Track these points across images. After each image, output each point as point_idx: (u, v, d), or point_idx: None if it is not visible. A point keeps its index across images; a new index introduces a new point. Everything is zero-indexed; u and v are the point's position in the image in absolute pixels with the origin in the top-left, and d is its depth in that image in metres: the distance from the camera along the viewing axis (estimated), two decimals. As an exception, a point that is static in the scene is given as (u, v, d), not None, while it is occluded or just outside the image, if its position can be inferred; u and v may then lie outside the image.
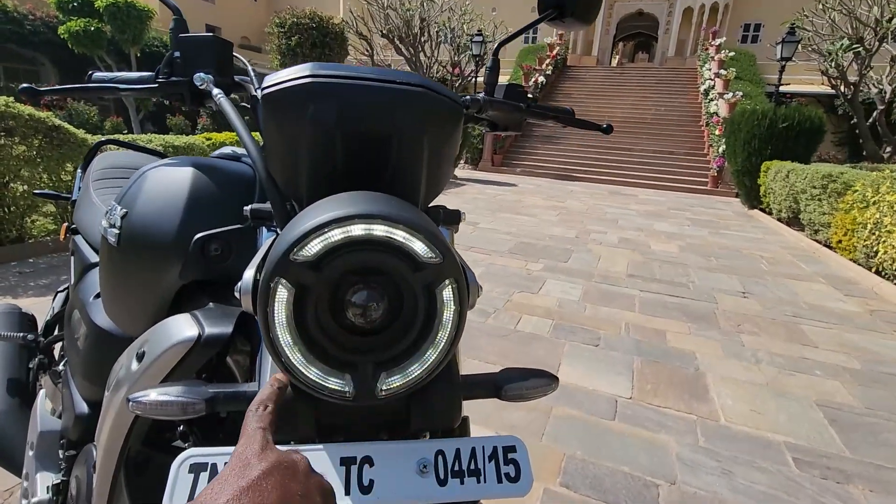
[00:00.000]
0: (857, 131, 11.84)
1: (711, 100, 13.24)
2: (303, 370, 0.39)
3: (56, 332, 1.22)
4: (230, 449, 0.39)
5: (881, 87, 11.05)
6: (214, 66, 0.63)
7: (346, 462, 0.42)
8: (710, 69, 14.36)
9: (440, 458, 0.44)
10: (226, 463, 0.30)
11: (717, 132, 11.67)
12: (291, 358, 0.39)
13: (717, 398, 2.21)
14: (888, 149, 11.50)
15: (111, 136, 1.35)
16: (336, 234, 0.38)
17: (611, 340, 2.79)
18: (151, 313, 0.65)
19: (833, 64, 10.89)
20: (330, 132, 0.46)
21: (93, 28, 10.13)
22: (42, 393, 1.03)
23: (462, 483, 0.44)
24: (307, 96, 0.45)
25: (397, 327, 0.41)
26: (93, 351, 0.77)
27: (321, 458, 0.41)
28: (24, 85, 0.69)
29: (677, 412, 2.07)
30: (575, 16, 0.73)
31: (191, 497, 0.38)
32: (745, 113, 8.78)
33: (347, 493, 0.41)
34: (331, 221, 0.37)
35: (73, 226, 1.05)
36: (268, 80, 0.48)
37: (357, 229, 0.38)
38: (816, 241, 5.73)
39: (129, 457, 0.58)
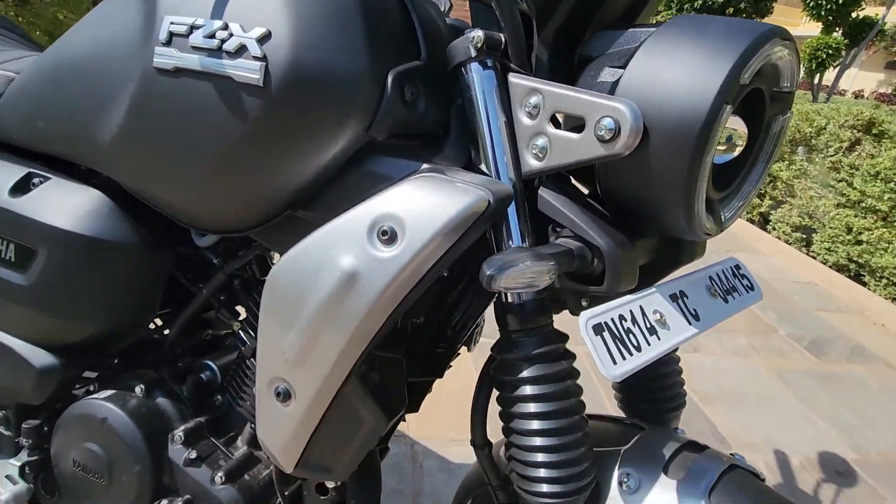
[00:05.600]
0: None
1: None
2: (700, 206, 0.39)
3: None
4: (622, 300, 0.41)
5: None
6: None
7: (675, 298, 0.44)
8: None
9: (713, 282, 0.49)
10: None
11: None
12: (699, 198, 0.39)
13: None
14: None
15: None
16: (775, 51, 0.38)
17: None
18: (272, 190, 0.46)
19: None
20: None
21: None
22: None
23: (734, 298, 0.50)
24: None
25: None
26: (73, 274, 0.55)
27: (657, 300, 0.44)
28: None
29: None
30: None
31: (612, 359, 0.38)
32: None
33: (690, 322, 0.44)
34: (765, 37, 0.37)
35: None
36: None
37: (778, 47, 0.38)
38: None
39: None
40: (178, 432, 0.58)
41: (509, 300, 0.43)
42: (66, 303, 0.56)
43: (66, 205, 0.54)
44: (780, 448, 1.55)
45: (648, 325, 0.40)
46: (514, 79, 0.42)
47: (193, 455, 0.57)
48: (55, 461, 0.61)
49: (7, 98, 0.60)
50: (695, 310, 0.45)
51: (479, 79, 0.43)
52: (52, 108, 0.55)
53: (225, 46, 0.40)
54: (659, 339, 0.41)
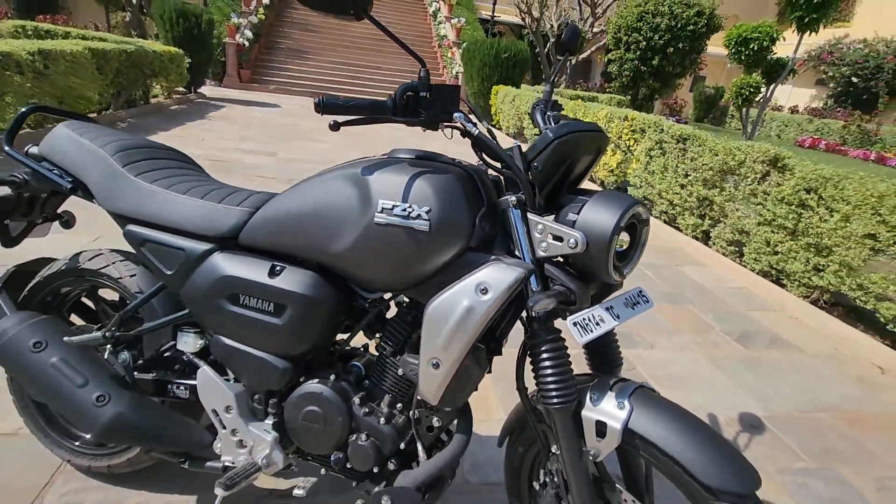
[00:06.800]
0: (538, 59, 15.24)
1: (440, 22, 15.13)
2: (611, 270, 0.91)
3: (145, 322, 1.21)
4: (584, 311, 0.91)
5: (552, 23, 14.96)
6: (456, 106, 0.90)
7: (608, 309, 0.93)
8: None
9: (627, 300, 0.97)
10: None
11: (449, 54, 13.83)
12: (611, 267, 0.90)
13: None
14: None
15: (43, 104, 1.34)
16: (639, 209, 0.90)
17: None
18: (429, 272, 0.93)
19: (523, 0, 14.46)
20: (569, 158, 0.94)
21: None
22: (203, 371, 1.13)
23: (638, 307, 0.98)
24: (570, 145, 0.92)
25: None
26: (304, 318, 1.01)
27: (599, 310, 0.92)
28: (332, 123, 0.86)
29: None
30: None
31: (581, 335, 0.88)
32: (478, 43, 10.83)
33: (615, 319, 0.92)
34: (633, 203, 0.88)
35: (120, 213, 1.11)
36: (563, 129, 0.91)
37: (639, 207, 0.90)
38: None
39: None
40: (355, 398, 1.08)
41: (535, 315, 0.96)
42: (300, 333, 1.05)
43: (298, 281, 1.04)
44: (711, 412, 2.11)
45: (596, 320, 0.93)
46: (530, 216, 0.95)
47: (366, 410, 1.07)
48: (289, 419, 1.10)
49: (254, 223, 1.08)
50: (617, 313, 0.97)
51: (513, 216, 0.95)
52: (293, 230, 0.99)
53: (411, 214, 0.88)
54: (599, 326, 0.93)
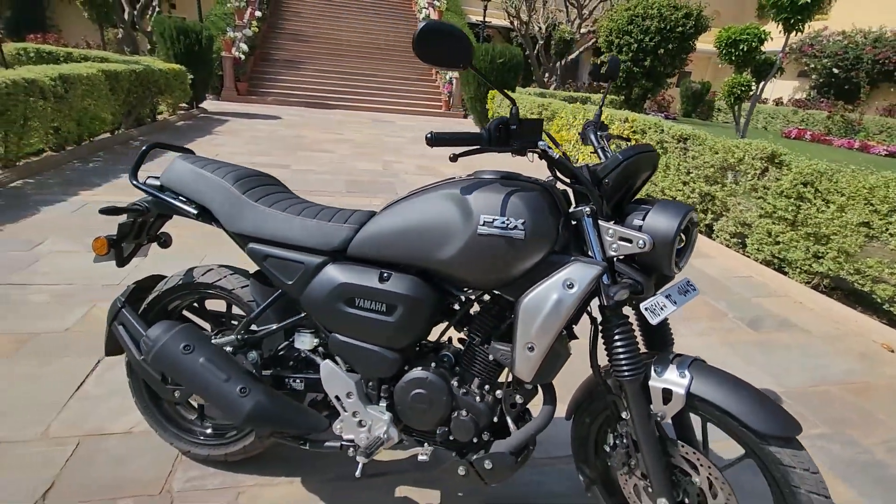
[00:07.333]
0: (528, 61, 15.56)
1: None
2: (672, 264, 1.10)
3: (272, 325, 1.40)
4: (651, 299, 1.11)
5: (540, 25, 15.35)
6: (539, 136, 1.10)
7: (667, 296, 1.13)
8: (426, -2, 15.73)
9: (679, 288, 1.15)
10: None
11: None
12: (672, 262, 1.09)
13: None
14: (548, 75, 16.22)
15: (159, 141, 1.53)
16: (693, 214, 1.10)
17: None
18: (521, 272, 1.11)
19: (512, 4, 14.95)
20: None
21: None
22: (326, 364, 1.33)
23: (688, 294, 1.16)
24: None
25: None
26: (413, 315, 1.21)
27: (661, 297, 1.10)
28: (451, 155, 1.03)
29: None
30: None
31: (652, 317, 1.08)
32: (475, 49, 10.96)
33: (673, 304, 1.12)
34: (689, 210, 1.08)
35: (240, 233, 1.31)
36: (630, 152, 1.11)
37: (692, 213, 1.10)
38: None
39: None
40: (454, 381, 1.28)
41: (607, 304, 1.16)
42: (408, 328, 1.25)
43: (406, 285, 1.23)
44: (734, 390, 2.33)
45: (660, 305, 1.14)
46: (601, 222, 1.16)
47: (464, 391, 1.27)
48: (399, 402, 1.29)
49: (360, 238, 1.24)
50: (675, 300, 1.18)
51: (586, 223, 1.16)
52: (397, 242, 1.17)
53: (509, 226, 1.06)
54: (664, 310, 1.14)
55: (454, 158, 1.04)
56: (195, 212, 1.35)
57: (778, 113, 17.97)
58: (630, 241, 1.09)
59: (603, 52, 11.57)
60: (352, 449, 1.37)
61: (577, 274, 1.07)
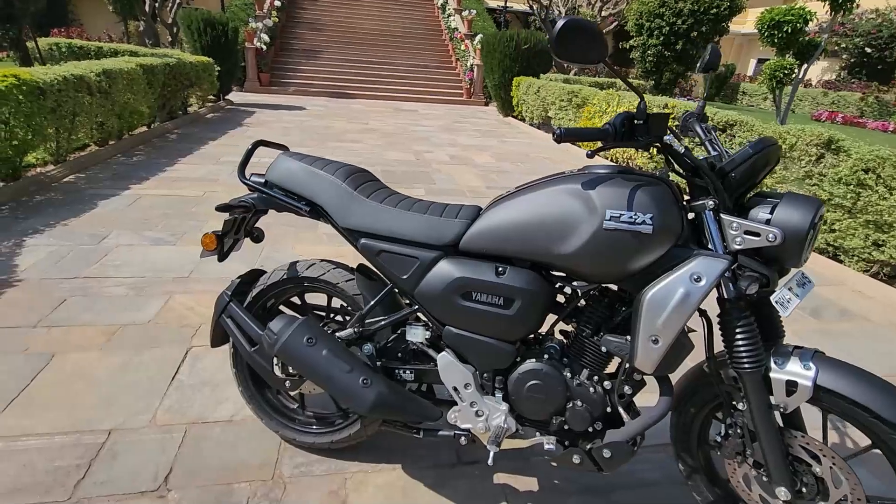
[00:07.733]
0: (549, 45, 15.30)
1: (449, 15, 15.08)
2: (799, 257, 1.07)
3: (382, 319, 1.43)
4: (778, 291, 1.11)
5: (560, 9, 14.88)
6: (665, 131, 1.09)
7: (789, 289, 1.10)
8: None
9: (799, 280, 1.15)
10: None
11: (462, 47, 13.70)
12: (802, 255, 1.08)
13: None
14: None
15: (262, 139, 1.56)
16: (823, 210, 1.08)
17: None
18: (643, 266, 1.12)
19: None
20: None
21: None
22: (444, 355, 1.34)
23: (806, 286, 1.17)
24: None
25: None
26: (529, 308, 1.23)
27: (785, 290, 1.10)
28: (588, 152, 1.03)
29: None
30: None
31: (783, 310, 1.09)
32: (498, 36, 10.84)
33: (797, 296, 1.09)
34: (820, 204, 1.07)
35: (349, 228, 1.33)
36: (759, 146, 1.11)
37: (823, 208, 1.07)
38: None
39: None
40: (566, 371, 1.30)
41: (731, 296, 1.16)
42: (524, 321, 1.27)
43: (522, 279, 1.25)
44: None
45: (787, 297, 1.14)
46: (723, 216, 1.16)
47: (577, 382, 1.30)
48: (514, 393, 1.32)
49: (472, 232, 1.25)
50: (797, 292, 1.19)
51: (708, 216, 1.16)
52: (513, 236, 1.18)
53: (636, 220, 1.07)
54: (790, 302, 1.14)
55: (591, 155, 1.05)
56: (307, 208, 1.38)
57: (807, 95, 17.48)
58: (758, 234, 1.08)
59: (632, 36, 11.32)
60: (464, 438, 1.41)
61: (704, 267, 1.08)
